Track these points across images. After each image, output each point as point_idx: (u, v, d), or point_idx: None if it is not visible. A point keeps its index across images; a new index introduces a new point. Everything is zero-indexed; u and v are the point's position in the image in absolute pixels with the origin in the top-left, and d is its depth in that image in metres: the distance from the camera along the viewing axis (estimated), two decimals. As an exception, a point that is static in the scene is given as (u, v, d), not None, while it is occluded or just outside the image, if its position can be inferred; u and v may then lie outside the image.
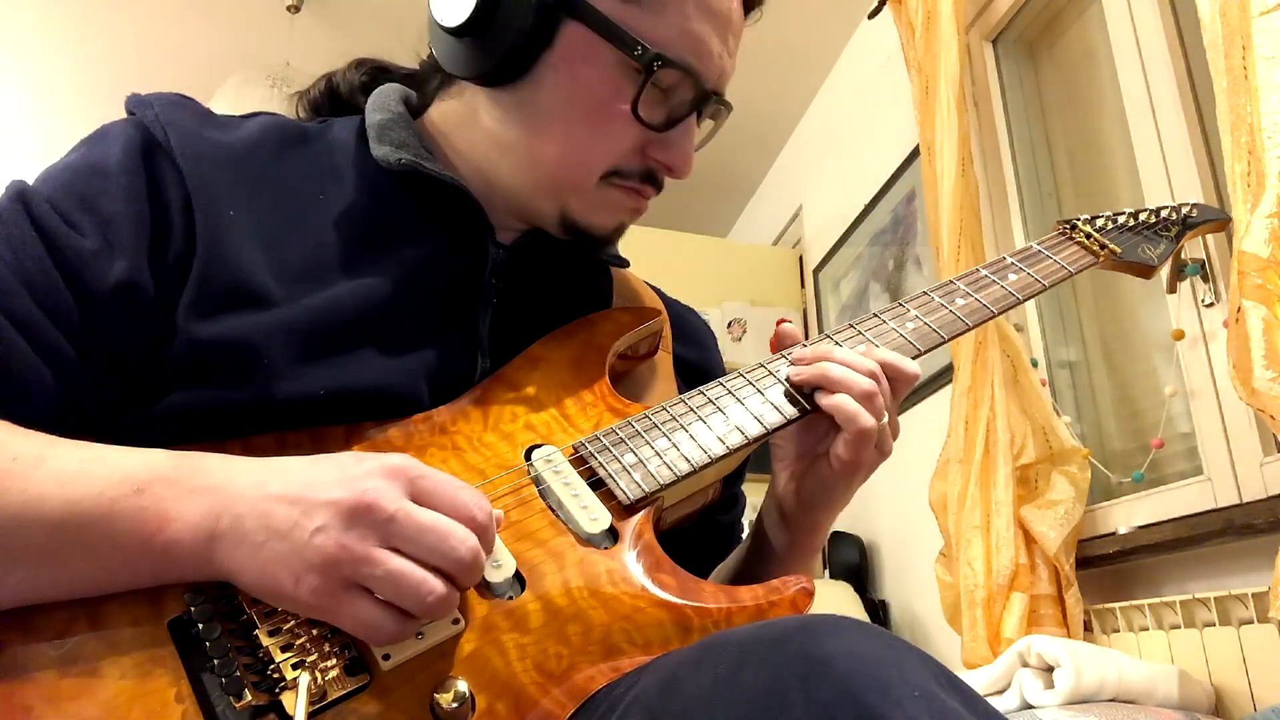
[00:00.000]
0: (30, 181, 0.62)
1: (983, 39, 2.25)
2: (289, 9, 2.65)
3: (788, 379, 0.70)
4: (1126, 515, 1.63)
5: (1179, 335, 1.54)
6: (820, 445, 0.69)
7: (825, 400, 0.67)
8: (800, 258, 3.27)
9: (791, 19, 2.73)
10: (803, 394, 0.69)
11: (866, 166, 2.71)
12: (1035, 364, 1.83)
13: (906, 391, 0.70)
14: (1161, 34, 1.64)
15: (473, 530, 0.50)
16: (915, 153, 2.35)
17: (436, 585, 0.48)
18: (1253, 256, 1.16)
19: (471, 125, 0.74)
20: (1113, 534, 1.62)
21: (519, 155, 0.71)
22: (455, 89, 0.76)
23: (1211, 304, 1.50)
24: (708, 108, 0.73)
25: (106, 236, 0.60)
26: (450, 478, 0.52)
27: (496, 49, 0.68)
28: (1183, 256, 1.51)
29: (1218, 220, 0.96)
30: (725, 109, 0.75)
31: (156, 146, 0.65)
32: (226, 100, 2.48)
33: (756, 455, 0.75)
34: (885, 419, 0.67)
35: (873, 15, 2.43)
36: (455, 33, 0.68)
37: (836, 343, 0.73)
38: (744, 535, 0.88)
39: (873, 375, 0.67)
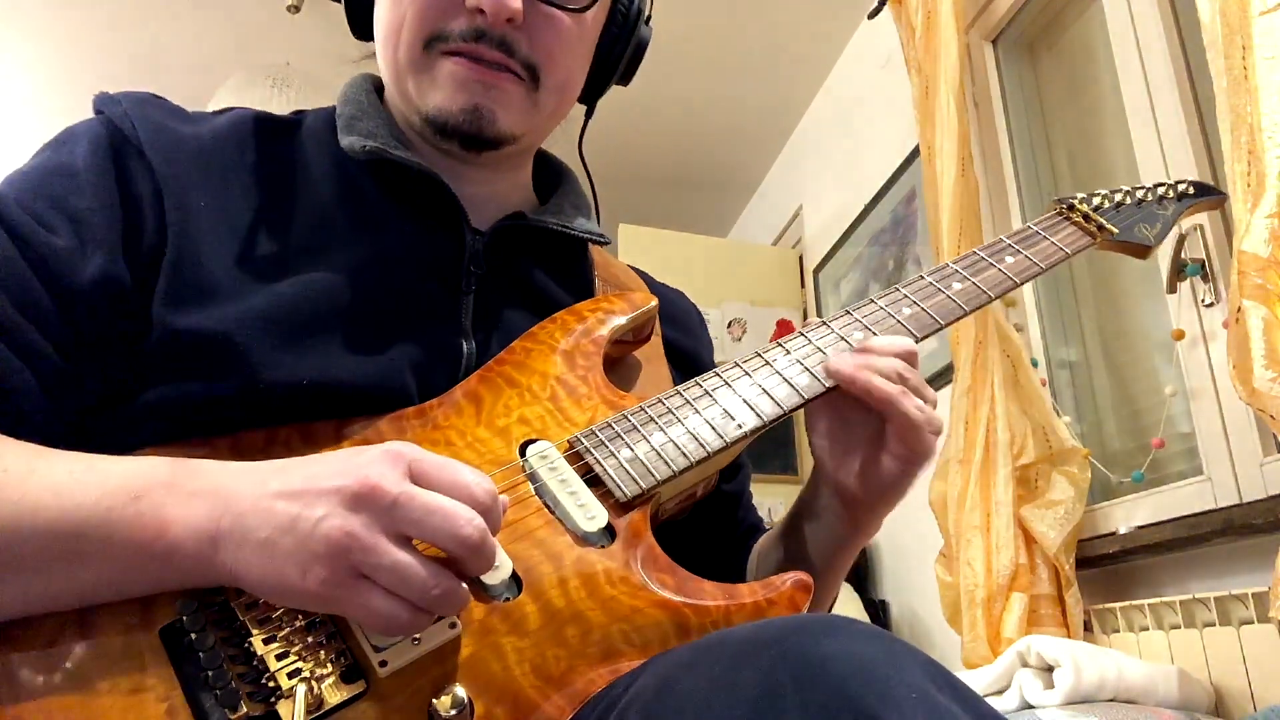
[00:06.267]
0: None
1: (983, 39, 2.25)
2: (289, 9, 2.65)
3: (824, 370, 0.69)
4: (1126, 515, 1.63)
5: (1179, 335, 1.54)
6: (867, 428, 0.69)
7: (887, 415, 0.66)
8: (800, 258, 3.27)
9: (791, 19, 2.73)
10: (798, 386, 0.68)
11: (866, 166, 2.70)
12: (1035, 364, 1.83)
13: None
14: (1161, 34, 1.64)
15: (476, 510, 0.49)
16: (915, 153, 2.35)
17: (443, 580, 0.47)
18: (1253, 256, 1.16)
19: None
20: (1113, 534, 1.61)
21: (383, 75, 0.74)
22: None
23: (1211, 304, 1.50)
24: None
25: (79, 234, 0.59)
26: (451, 460, 0.51)
27: None
28: (1183, 256, 1.51)
29: (1214, 198, 0.94)
30: None
31: (125, 141, 0.64)
32: (226, 100, 2.48)
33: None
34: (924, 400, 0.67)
35: (873, 15, 2.43)
36: None
37: (832, 329, 0.72)
38: (754, 506, 0.88)
39: (896, 371, 0.67)
